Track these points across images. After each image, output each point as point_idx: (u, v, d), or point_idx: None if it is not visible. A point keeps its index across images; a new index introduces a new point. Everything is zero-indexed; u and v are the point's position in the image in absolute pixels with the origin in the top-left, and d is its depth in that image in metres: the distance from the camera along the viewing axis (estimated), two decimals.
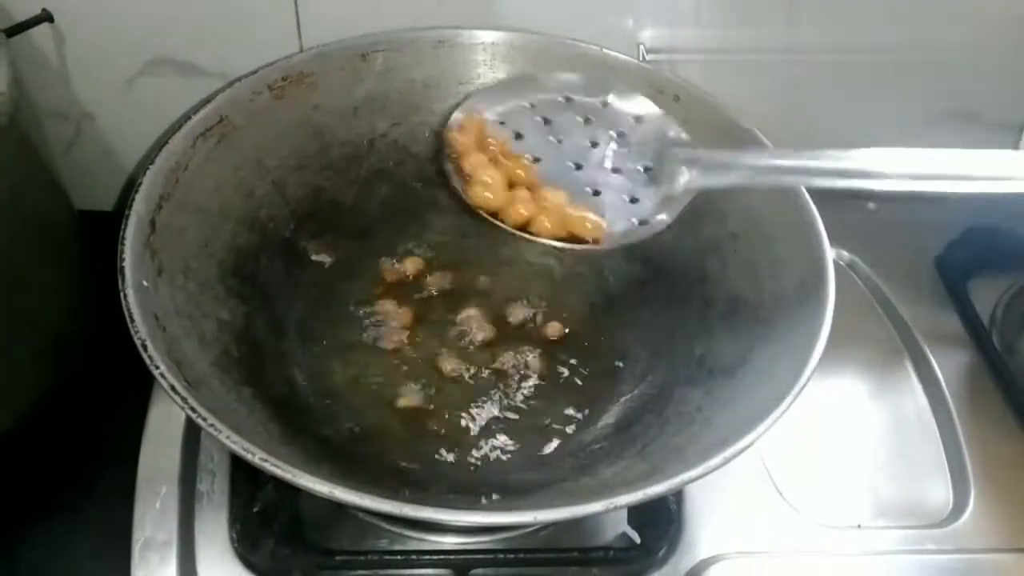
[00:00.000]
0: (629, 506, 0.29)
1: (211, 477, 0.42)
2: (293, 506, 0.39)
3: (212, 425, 0.29)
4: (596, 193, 0.36)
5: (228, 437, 0.28)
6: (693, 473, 0.29)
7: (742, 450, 0.30)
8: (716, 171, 0.34)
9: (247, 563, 0.39)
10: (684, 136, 0.37)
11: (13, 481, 0.47)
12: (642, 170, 0.35)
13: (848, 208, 0.62)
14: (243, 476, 0.42)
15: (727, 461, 0.29)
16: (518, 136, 0.38)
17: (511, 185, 0.36)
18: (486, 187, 0.36)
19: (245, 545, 0.39)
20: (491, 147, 0.37)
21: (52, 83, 0.54)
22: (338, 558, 0.39)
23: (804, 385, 0.32)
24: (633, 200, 0.35)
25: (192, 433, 0.43)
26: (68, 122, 0.57)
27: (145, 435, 0.43)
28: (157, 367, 0.30)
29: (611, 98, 0.38)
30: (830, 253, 0.38)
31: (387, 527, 0.41)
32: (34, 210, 0.48)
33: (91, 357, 0.52)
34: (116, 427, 0.48)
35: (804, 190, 0.41)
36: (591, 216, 0.35)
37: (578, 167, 0.37)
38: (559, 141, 0.38)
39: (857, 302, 0.57)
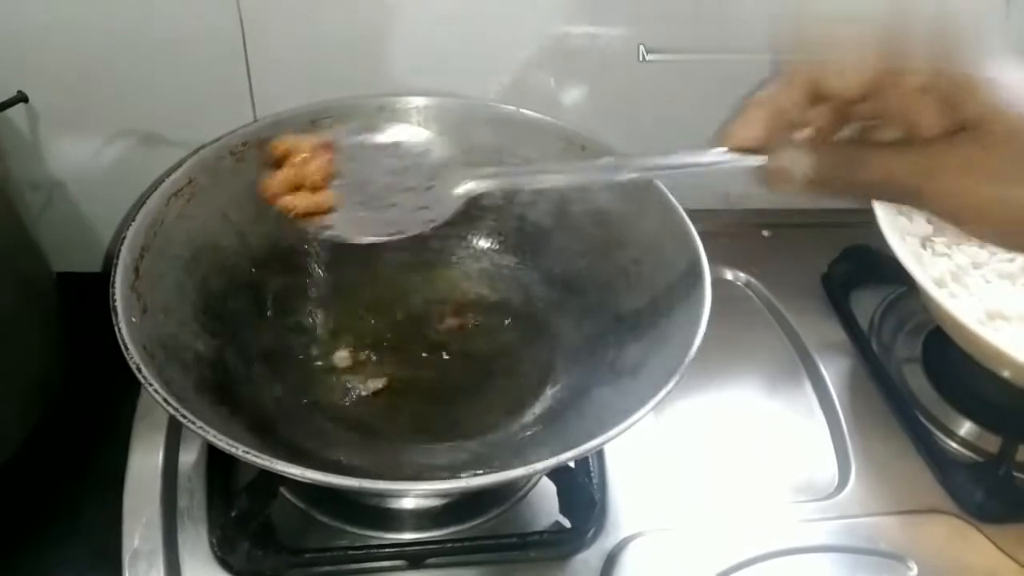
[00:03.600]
0: (545, 471, 0.35)
1: (190, 496, 0.47)
2: (265, 513, 0.45)
3: (201, 427, 0.34)
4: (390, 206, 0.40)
5: (215, 436, 0.34)
6: (593, 443, 0.36)
7: (635, 422, 0.37)
8: (483, 180, 0.41)
9: (226, 565, 0.44)
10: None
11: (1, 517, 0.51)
12: (427, 187, 0.41)
13: (746, 236, 0.72)
14: (219, 491, 0.47)
15: (620, 432, 0.37)
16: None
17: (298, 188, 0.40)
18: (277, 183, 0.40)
19: (224, 548, 0.44)
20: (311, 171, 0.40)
21: (26, 155, 0.59)
22: (307, 556, 0.44)
23: (680, 376, 0.40)
24: (421, 208, 0.40)
25: (171, 459, 0.49)
26: (41, 190, 0.62)
27: (129, 463, 0.48)
28: (151, 384, 0.36)
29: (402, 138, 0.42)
30: (707, 270, 0.46)
31: (350, 528, 0.47)
32: (17, 270, 0.53)
33: (69, 405, 0.57)
34: (94, 466, 0.53)
35: (688, 222, 0.49)
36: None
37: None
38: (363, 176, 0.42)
39: (754, 316, 0.64)
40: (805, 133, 0.35)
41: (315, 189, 0.39)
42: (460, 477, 0.36)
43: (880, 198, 0.33)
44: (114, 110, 0.59)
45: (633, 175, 0.39)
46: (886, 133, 0.33)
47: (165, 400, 0.35)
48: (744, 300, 0.66)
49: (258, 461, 0.34)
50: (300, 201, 0.39)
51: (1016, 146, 0.29)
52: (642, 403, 0.38)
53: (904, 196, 0.32)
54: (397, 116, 0.55)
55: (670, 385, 0.39)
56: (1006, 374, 0.52)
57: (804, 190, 0.33)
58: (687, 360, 0.40)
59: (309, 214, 0.39)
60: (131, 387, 0.50)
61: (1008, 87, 0.29)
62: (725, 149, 0.35)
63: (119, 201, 0.58)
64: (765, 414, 0.58)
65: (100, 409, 0.55)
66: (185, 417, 0.35)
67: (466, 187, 0.40)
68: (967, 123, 0.30)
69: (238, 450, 0.34)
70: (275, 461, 0.34)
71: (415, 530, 0.47)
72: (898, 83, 0.31)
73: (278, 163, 0.40)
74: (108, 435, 0.52)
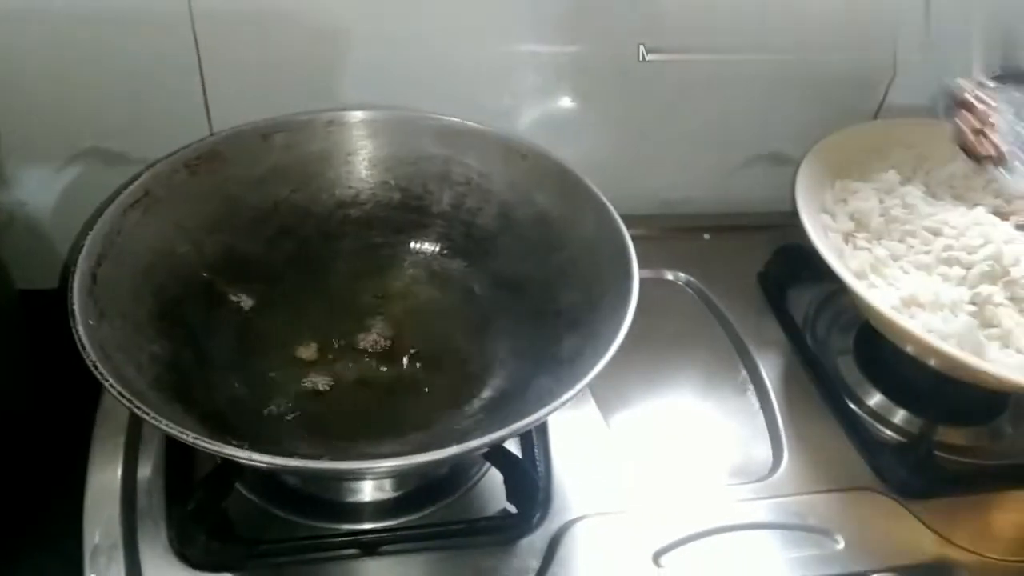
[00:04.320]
0: (478, 449, 0.38)
1: (149, 495, 0.49)
2: (221, 507, 0.46)
3: (154, 418, 0.37)
4: None
5: (166, 425, 0.36)
6: (521, 424, 0.39)
7: (560, 405, 0.40)
8: None
9: (184, 559, 0.45)
10: None
11: None
12: None
13: (686, 239, 0.75)
14: (177, 490, 0.49)
15: (552, 411, 0.40)
16: None
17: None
18: None
19: (182, 541, 0.45)
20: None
21: None
22: (263, 547, 0.46)
23: (605, 363, 0.43)
24: None
25: (131, 460, 0.50)
26: (2, 209, 0.63)
27: (90, 464, 0.49)
28: (107, 380, 0.38)
29: None
30: (636, 267, 0.49)
31: (306, 521, 0.49)
32: None
33: (34, 419, 0.59)
34: (60, 477, 0.54)
35: (620, 223, 0.52)
36: None
37: None
38: None
39: (694, 314, 0.68)
40: None
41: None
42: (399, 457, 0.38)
43: None
44: (74, 130, 0.61)
45: None
46: None
47: (120, 394, 0.37)
48: (685, 299, 0.69)
49: (206, 446, 0.36)
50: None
51: None
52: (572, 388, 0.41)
53: None
54: (345, 129, 0.58)
55: (594, 371, 0.42)
56: (932, 362, 0.56)
57: None
58: (613, 348, 0.43)
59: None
60: (92, 399, 0.52)
61: None
62: None
63: (80, 218, 0.59)
64: (704, 405, 0.61)
65: (64, 421, 0.57)
66: (139, 409, 0.37)
67: None
68: None
69: (188, 436, 0.36)
70: (222, 446, 0.36)
71: (369, 520, 0.49)
72: None
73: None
74: (72, 446, 0.53)
